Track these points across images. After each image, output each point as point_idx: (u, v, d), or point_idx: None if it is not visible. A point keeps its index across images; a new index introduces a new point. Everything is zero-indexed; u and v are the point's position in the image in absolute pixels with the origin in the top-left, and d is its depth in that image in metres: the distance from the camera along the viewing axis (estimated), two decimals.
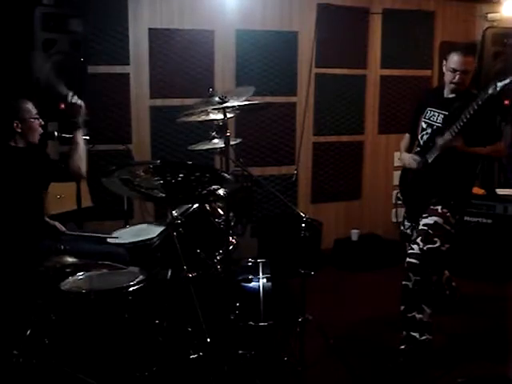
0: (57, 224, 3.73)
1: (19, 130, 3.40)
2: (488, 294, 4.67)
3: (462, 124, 3.39)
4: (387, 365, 3.52)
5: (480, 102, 3.33)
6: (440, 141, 3.52)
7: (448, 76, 3.62)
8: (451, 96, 3.68)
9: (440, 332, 3.79)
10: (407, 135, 4.09)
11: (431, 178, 3.69)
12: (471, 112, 3.35)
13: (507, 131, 6.01)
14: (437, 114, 3.71)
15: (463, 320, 4.20)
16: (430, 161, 3.66)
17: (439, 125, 3.66)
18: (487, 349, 3.76)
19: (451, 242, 3.60)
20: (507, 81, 3.30)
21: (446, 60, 3.63)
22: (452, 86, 3.63)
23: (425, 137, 3.77)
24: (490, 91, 3.32)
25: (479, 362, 3.59)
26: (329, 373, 3.41)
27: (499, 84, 3.30)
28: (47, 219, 3.74)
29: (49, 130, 3.63)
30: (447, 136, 3.46)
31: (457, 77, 3.57)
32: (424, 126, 3.79)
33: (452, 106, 3.59)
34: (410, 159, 3.83)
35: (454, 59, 3.56)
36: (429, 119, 3.75)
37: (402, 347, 3.55)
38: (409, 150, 4.03)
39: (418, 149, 3.85)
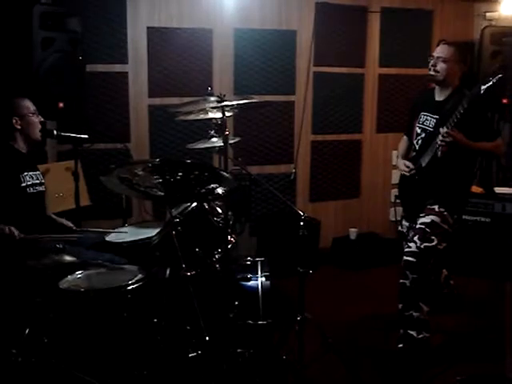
0: (64, 221, 3.73)
1: (18, 127, 3.43)
2: (486, 292, 4.68)
3: (456, 120, 3.39)
4: (386, 363, 3.52)
5: (465, 105, 3.35)
6: (440, 134, 3.46)
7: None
8: (442, 99, 3.69)
9: (438, 330, 3.80)
10: (405, 138, 4.10)
11: (427, 180, 3.69)
12: (461, 112, 3.37)
13: (506, 130, 6.03)
14: (429, 118, 3.73)
15: (461, 318, 4.21)
16: (423, 165, 3.68)
17: (432, 129, 3.67)
18: (485, 347, 3.77)
19: (448, 241, 3.60)
20: (490, 83, 3.32)
21: None
22: (430, 75, 3.65)
23: (420, 142, 3.78)
24: (474, 93, 3.35)
25: (477, 360, 3.60)
26: (327, 371, 3.42)
27: (483, 86, 3.33)
28: (54, 216, 3.75)
29: (47, 128, 3.62)
30: (445, 129, 3.42)
31: (431, 61, 3.62)
32: (418, 130, 3.80)
33: (442, 109, 3.60)
34: (402, 166, 3.85)
35: (435, 48, 3.68)
36: (422, 124, 3.77)
37: (400, 346, 3.55)
38: (407, 153, 4.05)
39: (414, 153, 3.87)
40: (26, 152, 3.53)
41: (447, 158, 3.54)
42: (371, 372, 3.49)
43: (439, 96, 3.72)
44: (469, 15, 6.16)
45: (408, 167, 3.78)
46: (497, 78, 3.32)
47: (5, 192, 3.29)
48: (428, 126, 3.72)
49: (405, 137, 4.10)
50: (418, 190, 3.75)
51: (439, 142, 3.47)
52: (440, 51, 3.63)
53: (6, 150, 3.44)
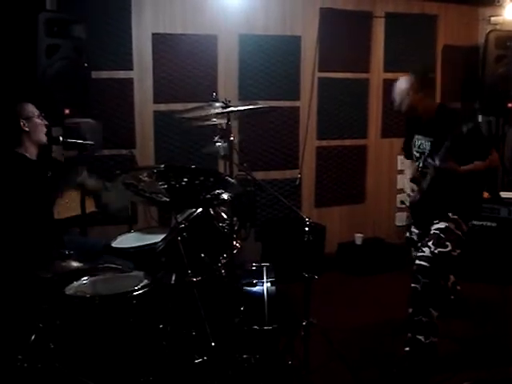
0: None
1: (27, 129, 3.37)
2: (493, 297, 4.66)
3: (443, 155, 3.43)
4: (392, 369, 3.51)
5: (449, 144, 3.40)
6: (431, 167, 3.54)
7: None
8: (426, 121, 3.71)
9: (445, 336, 3.78)
10: (408, 162, 4.09)
11: (435, 197, 3.67)
12: (447, 147, 3.41)
13: (510, 134, 6.03)
14: (424, 141, 3.75)
15: (468, 323, 4.19)
16: (425, 188, 3.67)
17: (429, 152, 3.69)
18: (492, 352, 3.75)
19: (462, 247, 3.60)
20: (473, 124, 3.35)
21: None
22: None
23: (421, 164, 3.79)
24: (457, 133, 3.36)
25: (484, 365, 3.58)
26: (333, 377, 3.41)
27: (464, 128, 3.32)
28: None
29: (53, 135, 3.62)
30: (436, 162, 3.48)
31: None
32: (417, 155, 3.83)
33: (433, 130, 3.63)
34: (408, 190, 3.90)
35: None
36: (419, 147, 3.80)
37: (407, 349, 3.53)
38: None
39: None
40: (35, 158, 3.47)
41: (449, 175, 3.55)
42: (377, 378, 3.47)
43: (423, 119, 3.75)
44: (473, 19, 6.17)
45: (413, 189, 3.83)
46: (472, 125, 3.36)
47: (17, 203, 3.24)
48: (425, 149, 3.75)
49: (408, 161, 4.08)
50: (428, 206, 3.72)
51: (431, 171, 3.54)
52: (397, 85, 3.69)
53: (12, 158, 3.37)
